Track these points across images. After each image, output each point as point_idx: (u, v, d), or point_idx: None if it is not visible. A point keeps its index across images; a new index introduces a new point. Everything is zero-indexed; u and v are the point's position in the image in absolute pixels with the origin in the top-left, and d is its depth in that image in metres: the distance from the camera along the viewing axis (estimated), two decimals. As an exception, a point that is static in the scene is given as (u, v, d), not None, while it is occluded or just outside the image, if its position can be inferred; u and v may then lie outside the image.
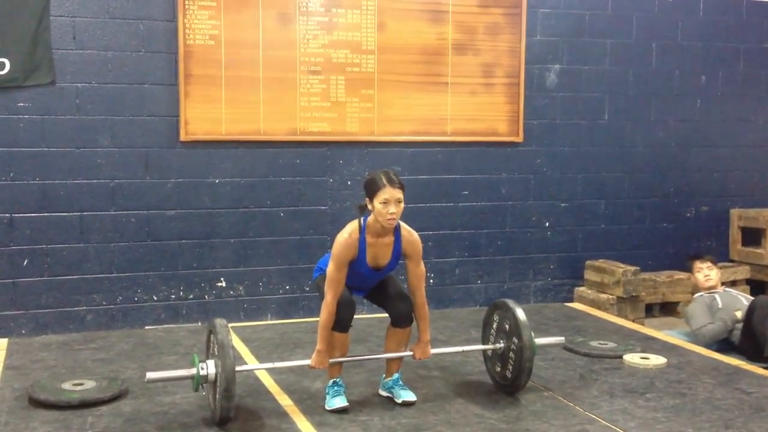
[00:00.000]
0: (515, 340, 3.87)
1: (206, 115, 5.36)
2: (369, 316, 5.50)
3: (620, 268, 5.92)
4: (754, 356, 4.68)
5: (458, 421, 3.62)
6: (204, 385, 3.56)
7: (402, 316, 3.81)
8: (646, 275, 6.11)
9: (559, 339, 4.28)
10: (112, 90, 5.21)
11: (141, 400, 3.86)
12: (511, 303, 3.98)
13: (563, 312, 5.92)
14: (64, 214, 5.18)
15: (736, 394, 3.99)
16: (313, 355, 3.70)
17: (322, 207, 5.67)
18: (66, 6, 5.08)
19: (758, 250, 6.50)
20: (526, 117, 6.07)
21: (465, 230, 6.04)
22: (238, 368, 3.47)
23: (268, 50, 5.45)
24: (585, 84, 6.24)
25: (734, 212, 6.70)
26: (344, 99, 5.63)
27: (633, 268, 5.93)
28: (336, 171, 5.69)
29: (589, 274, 6.21)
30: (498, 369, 4.04)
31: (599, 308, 5.93)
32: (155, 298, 5.39)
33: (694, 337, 5.03)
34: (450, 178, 5.96)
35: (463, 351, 4.36)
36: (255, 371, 4.30)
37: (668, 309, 6.21)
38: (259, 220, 5.55)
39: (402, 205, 3.61)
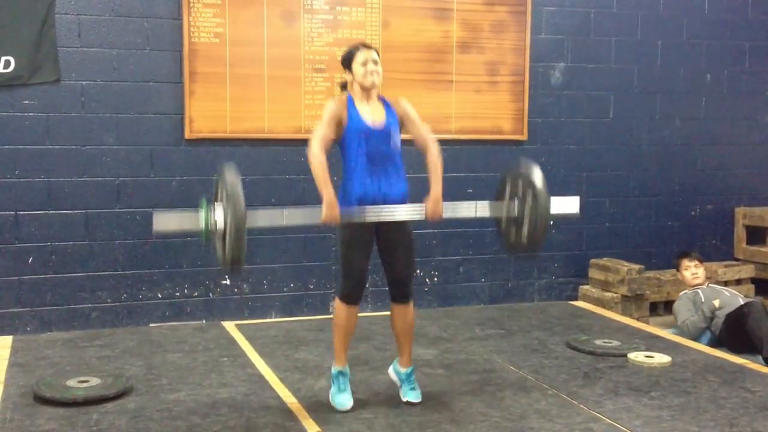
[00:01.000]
0: (529, 199, 3.68)
1: (211, 113, 5.37)
2: (372, 314, 5.50)
3: (625, 267, 5.91)
4: (737, 348, 4.87)
5: (462, 419, 3.62)
6: (213, 236, 3.39)
7: (399, 292, 3.79)
8: (651, 274, 6.11)
9: (574, 202, 3.99)
10: (117, 88, 5.22)
11: (146, 397, 3.87)
12: (523, 165, 3.83)
13: (567, 310, 5.91)
14: (69, 211, 5.19)
15: (741, 393, 3.99)
16: (322, 209, 3.54)
17: (327, 205, 5.66)
18: (71, 4, 5.09)
19: (763, 249, 6.49)
20: (531, 115, 6.06)
21: (469, 228, 6.03)
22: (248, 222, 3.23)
23: (272, 48, 5.45)
24: (590, 82, 6.24)
25: (739, 211, 6.68)
26: (349, 97, 5.62)
27: (637, 267, 5.92)
28: (340, 169, 5.67)
29: (593, 273, 6.20)
30: (513, 235, 3.82)
31: (604, 307, 5.92)
32: (160, 296, 5.40)
33: (680, 331, 5.23)
34: (454, 177, 5.95)
35: (476, 206, 3.93)
36: (260, 370, 4.31)
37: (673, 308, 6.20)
38: (263, 218, 5.55)
39: (379, 66, 3.69)
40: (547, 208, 3.67)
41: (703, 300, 5.22)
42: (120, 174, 5.26)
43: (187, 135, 5.33)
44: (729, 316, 5.04)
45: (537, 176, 3.70)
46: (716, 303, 5.14)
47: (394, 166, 3.75)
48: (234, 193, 3.30)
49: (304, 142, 5.54)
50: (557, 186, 6.19)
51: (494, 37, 5.91)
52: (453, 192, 5.93)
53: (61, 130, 5.13)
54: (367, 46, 3.75)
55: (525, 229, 3.72)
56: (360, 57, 3.69)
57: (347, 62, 3.74)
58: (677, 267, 5.59)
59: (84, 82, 5.15)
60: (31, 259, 5.14)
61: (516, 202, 3.77)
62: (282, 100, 5.49)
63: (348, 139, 3.70)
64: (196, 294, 5.46)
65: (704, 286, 5.41)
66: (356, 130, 3.67)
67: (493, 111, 5.98)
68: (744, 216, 6.64)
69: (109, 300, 5.30)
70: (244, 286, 5.54)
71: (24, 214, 5.11)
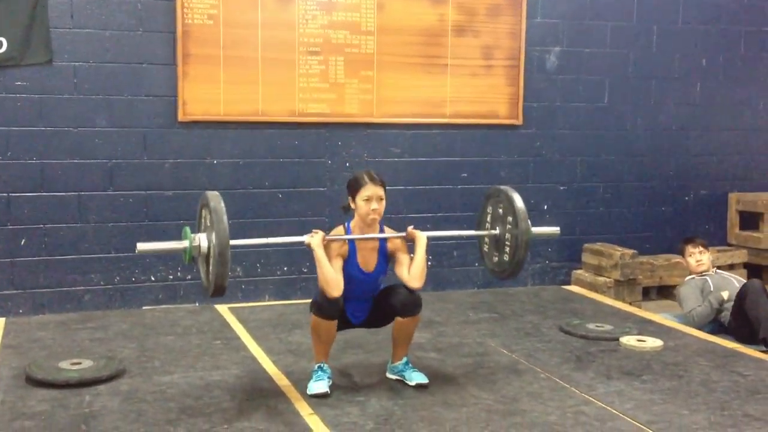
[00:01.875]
0: (509, 219, 3.78)
1: (204, 96, 5.34)
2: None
3: (618, 252, 5.92)
4: (744, 338, 4.71)
5: (455, 402, 3.63)
6: (197, 258, 3.39)
7: (407, 302, 3.69)
8: (644, 258, 6.12)
9: (554, 229, 4.13)
10: (109, 69, 5.19)
11: (138, 379, 3.87)
12: (503, 188, 3.91)
13: (560, 295, 5.93)
14: (61, 193, 5.17)
15: (733, 377, 4.01)
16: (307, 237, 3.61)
17: (321, 188, 5.66)
18: (63, -16, 5.05)
19: (756, 234, 6.50)
20: (526, 99, 6.05)
21: (463, 212, 6.01)
22: (232, 242, 3.24)
23: (267, 30, 5.42)
24: (585, 67, 6.22)
25: (732, 196, 6.69)
26: (343, 80, 5.60)
27: (630, 252, 5.93)
28: (335, 152, 5.68)
29: (586, 257, 6.21)
30: (495, 258, 3.95)
31: (596, 291, 5.94)
32: (153, 279, 5.39)
33: (686, 320, 5.08)
34: (449, 161, 5.95)
35: (459, 235, 4.25)
36: (253, 353, 4.31)
37: (665, 292, 6.22)
38: (257, 201, 5.54)
39: (383, 202, 3.66)
40: (528, 228, 3.75)
41: (711, 289, 5.01)
42: (113, 156, 5.24)
43: (180, 117, 5.30)
44: (734, 306, 4.83)
45: (517, 199, 3.78)
46: (725, 295, 4.93)
47: (371, 298, 3.81)
48: (219, 213, 3.25)
49: (299, 125, 5.58)
50: (551, 170, 6.22)
51: (490, 21, 5.88)
52: (447, 176, 5.96)
53: (54, 112, 5.11)
54: (374, 179, 3.66)
55: (507, 250, 3.83)
56: (366, 192, 3.62)
57: (352, 191, 3.67)
58: (681, 253, 5.36)
59: (76, 64, 5.12)
60: (23, 241, 5.13)
61: (498, 228, 3.92)
62: (276, 82, 5.47)
63: None
64: (189, 277, 5.45)
65: (712, 272, 5.19)
66: (348, 271, 3.64)
67: (488, 95, 5.96)
68: (737, 201, 6.66)
69: (102, 282, 5.29)
70: (238, 269, 5.54)
71: (16, 195, 5.09)
